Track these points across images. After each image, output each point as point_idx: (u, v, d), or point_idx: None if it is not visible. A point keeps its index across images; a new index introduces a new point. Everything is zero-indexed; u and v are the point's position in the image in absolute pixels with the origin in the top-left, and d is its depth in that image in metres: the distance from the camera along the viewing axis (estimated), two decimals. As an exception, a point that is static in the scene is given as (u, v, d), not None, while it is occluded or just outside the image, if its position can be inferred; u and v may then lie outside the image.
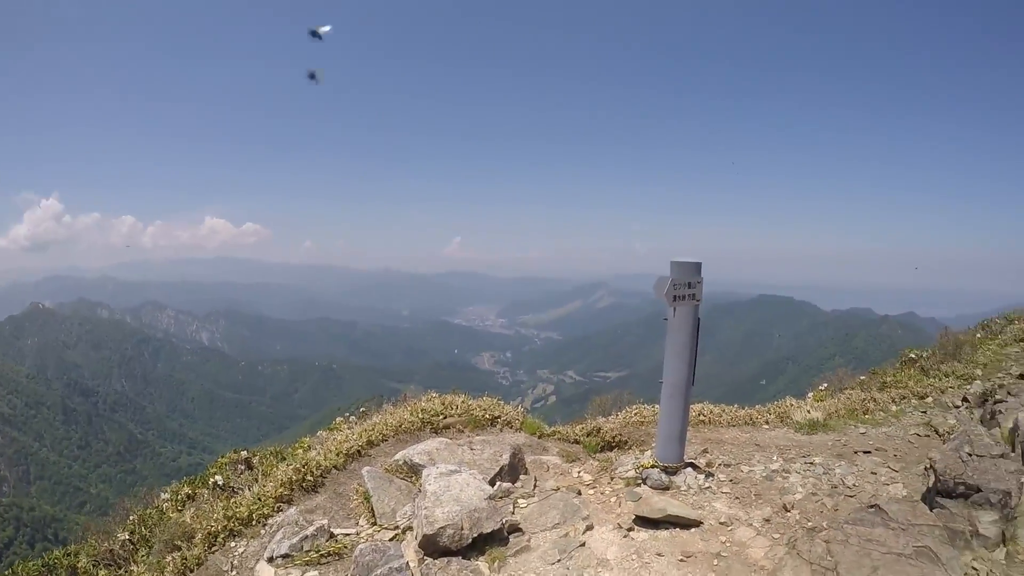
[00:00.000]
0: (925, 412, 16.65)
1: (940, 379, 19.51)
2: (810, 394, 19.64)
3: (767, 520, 9.53)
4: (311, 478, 11.63)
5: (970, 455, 9.74)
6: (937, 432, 14.96)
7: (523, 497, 10.01)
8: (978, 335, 25.81)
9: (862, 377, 22.28)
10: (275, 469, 12.40)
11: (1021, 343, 24.06)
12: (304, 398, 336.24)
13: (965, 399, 17.43)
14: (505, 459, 10.82)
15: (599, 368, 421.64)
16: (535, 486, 10.49)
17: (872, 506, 9.16)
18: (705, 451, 12.28)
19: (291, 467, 11.95)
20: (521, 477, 10.91)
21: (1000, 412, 14.50)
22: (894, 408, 16.77)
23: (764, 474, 11.30)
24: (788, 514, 9.82)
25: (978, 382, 18.91)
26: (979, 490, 8.99)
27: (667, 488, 10.19)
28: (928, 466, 10.54)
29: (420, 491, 9.38)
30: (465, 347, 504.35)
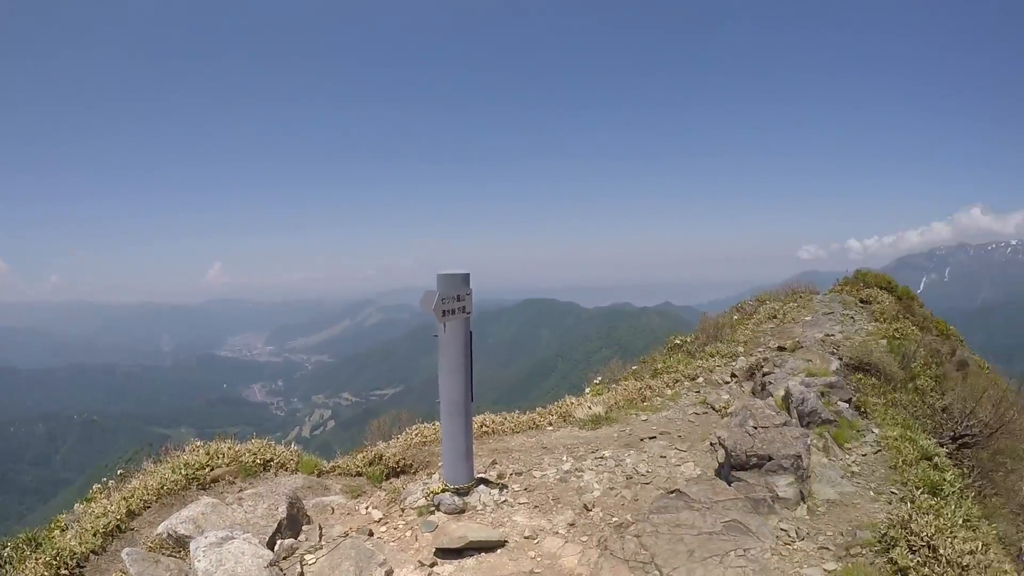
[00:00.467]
0: (699, 392, 17.20)
1: (707, 360, 20.22)
2: (587, 389, 19.71)
3: (572, 524, 9.09)
4: (66, 572, 9.90)
5: (755, 428, 9.99)
6: (713, 408, 15.44)
7: (309, 551, 8.67)
8: (735, 317, 27.28)
9: (634, 367, 22.80)
10: (24, 565, 10.53)
11: (773, 319, 25.60)
12: (67, 459, 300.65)
13: (733, 375, 18.20)
14: (282, 511, 9.34)
15: (374, 387, 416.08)
16: (321, 535, 9.19)
17: (673, 491, 9.15)
18: (494, 463, 11.74)
19: (41, 561, 10.13)
20: (304, 528, 9.53)
21: (770, 383, 15.12)
22: (669, 392, 17.11)
23: (558, 476, 10.91)
24: (591, 514, 9.46)
25: (742, 358, 19.84)
26: (771, 458, 9.28)
27: (463, 511, 9.46)
28: (716, 442, 10.77)
29: (191, 570, 7.99)
30: (234, 380, 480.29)
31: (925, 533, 7.68)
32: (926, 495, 9.38)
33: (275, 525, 8.90)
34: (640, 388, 17.30)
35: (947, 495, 9.51)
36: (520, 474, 11.06)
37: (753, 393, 16.17)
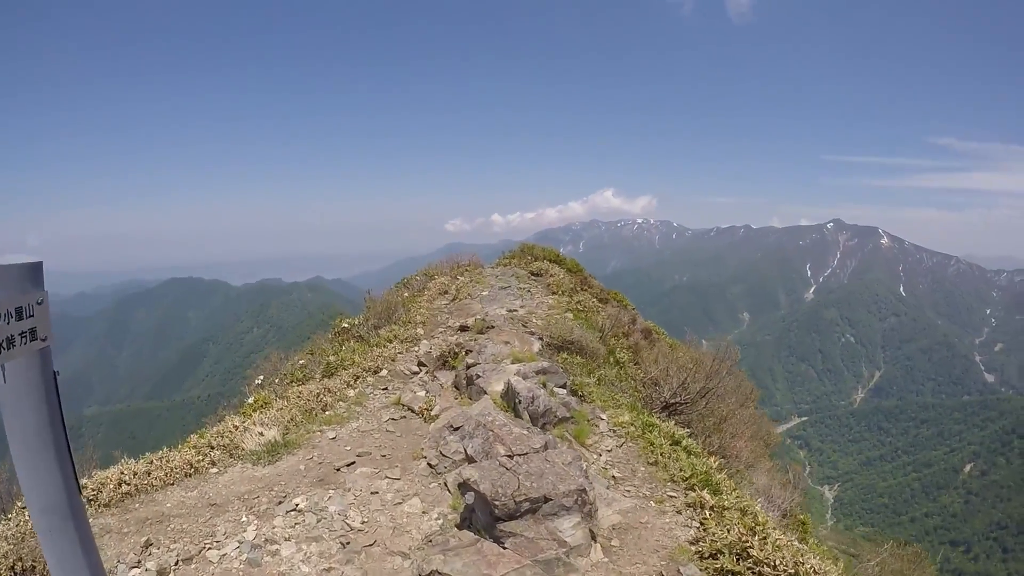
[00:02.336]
0: (387, 388, 15.05)
1: (384, 346, 17.96)
2: (250, 397, 16.22)
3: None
4: None
5: (511, 457, 7.79)
6: (412, 410, 13.37)
7: None
8: (405, 294, 25.09)
9: (301, 360, 19.57)
10: None
11: (445, 295, 23.89)
12: None
13: (421, 363, 16.09)
14: None
15: None
16: None
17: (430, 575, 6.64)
18: (148, 544, 7.83)
19: None
20: None
21: (478, 376, 12.93)
22: (352, 393, 14.63)
23: (244, 558, 7.61)
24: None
25: (424, 342, 17.96)
26: (548, 499, 7.09)
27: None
28: (460, 481, 7.87)
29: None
30: None
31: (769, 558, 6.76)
32: (708, 493, 8.61)
33: None
34: (318, 393, 14.42)
35: (723, 488, 9.06)
36: (189, 560, 7.54)
37: (457, 388, 13.98)
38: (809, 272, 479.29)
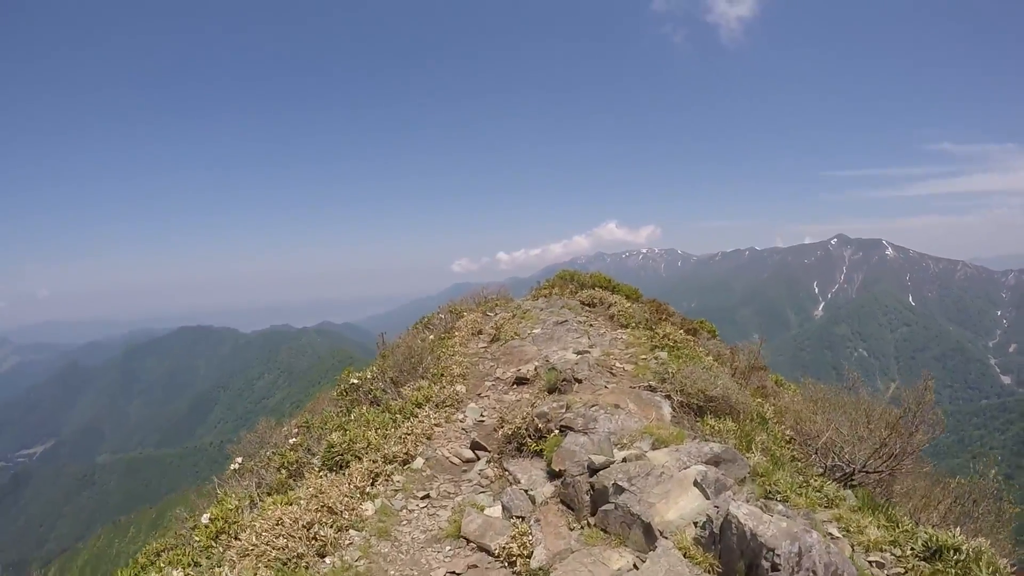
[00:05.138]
0: (428, 496, 9.77)
1: (411, 415, 12.35)
2: (208, 513, 10.28)
3: None
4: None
5: None
6: (488, 552, 7.72)
7: None
8: (430, 337, 19.48)
9: (292, 439, 13.64)
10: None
11: (480, 336, 19.37)
12: None
13: (476, 445, 10.66)
14: None
15: (21, 445, 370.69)
16: None
17: None
18: None
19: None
20: None
21: (622, 488, 7.30)
22: (371, 511, 8.94)
23: None
24: None
25: (472, 405, 12.77)
26: None
27: None
28: None
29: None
30: None
31: None
32: None
33: None
34: (309, 522, 8.18)
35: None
36: None
37: (568, 505, 7.94)
38: (817, 289, 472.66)
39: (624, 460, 7.69)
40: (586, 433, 8.98)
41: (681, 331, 18.18)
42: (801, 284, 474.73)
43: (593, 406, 9.72)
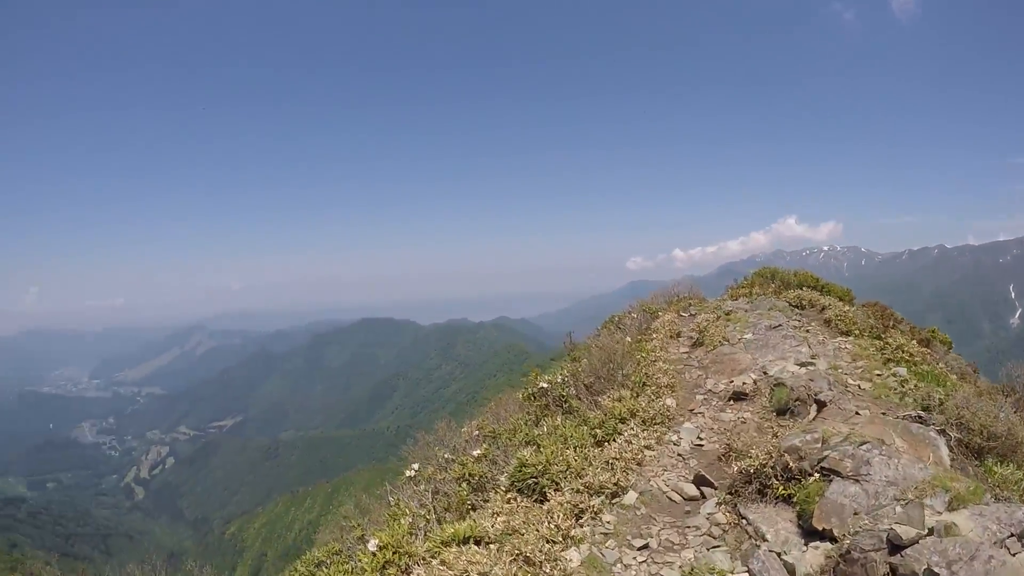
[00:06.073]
0: (647, 546, 7.69)
1: (615, 431, 10.44)
2: (371, 541, 8.91)
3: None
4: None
5: None
6: None
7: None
8: (627, 339, 17.39)
9: (477, 451, 11.97)
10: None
11: (678, 338, 17.39)
12: None
13: (700, 478, 8.60)
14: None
15: (212, 418, 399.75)
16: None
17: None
18: None
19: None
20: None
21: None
22: (576, 561, 6.97)
23: None
24: None
25: (688, 425, 10.71)
26: None
27: None
28: None
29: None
30: (61, 419, 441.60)
31: None
32: None
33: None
34: (505, 568, 6.52)
35: None
36: None
37: None
38: (1013, 293, 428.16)
39: (930, 532, 5.57)
40: (858, 480, 6.81)
41: (914, 341, 15.63)
42: (995, 287, 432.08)
43: (863, 443, 7.25)
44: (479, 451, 11.13)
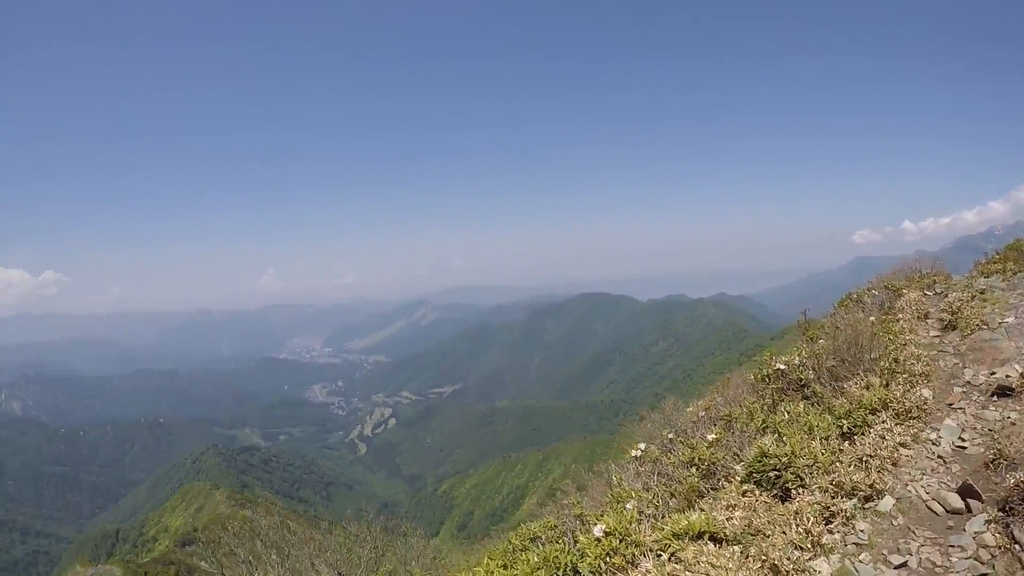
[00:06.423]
0: (906, 564, 6.60)
1: (866, 423, 9.33)
2: (596, 527, 8.39)
3: None
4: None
5: None
6: None
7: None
8: (871, 317, 15.95)
9: (712, 435, 11.11)
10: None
11: (926, 319, 15.63)
12: (135, 460, 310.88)
13: (967, 488, 7.54)
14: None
15: (433, 385, 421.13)
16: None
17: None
18: None
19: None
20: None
21: None
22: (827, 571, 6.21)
23: None
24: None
25: (948, 421, 9.76)
26: None
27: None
28: None
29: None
30: (295, 382, 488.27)
31: None
32: None
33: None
34: (748, 574, 6.01)
35: None
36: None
37: None
38: None
39: None
40: None
41: None
42: None
43: None
44: (713, 435, 10.44)
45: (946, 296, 17.03)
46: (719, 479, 9.34)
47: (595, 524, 7.54)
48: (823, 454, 8.21)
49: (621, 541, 7.06)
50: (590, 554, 7.04)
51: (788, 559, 6.07)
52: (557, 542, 8.19)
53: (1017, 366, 10.86)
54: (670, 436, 12.65)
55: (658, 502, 8.73)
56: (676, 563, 6.38)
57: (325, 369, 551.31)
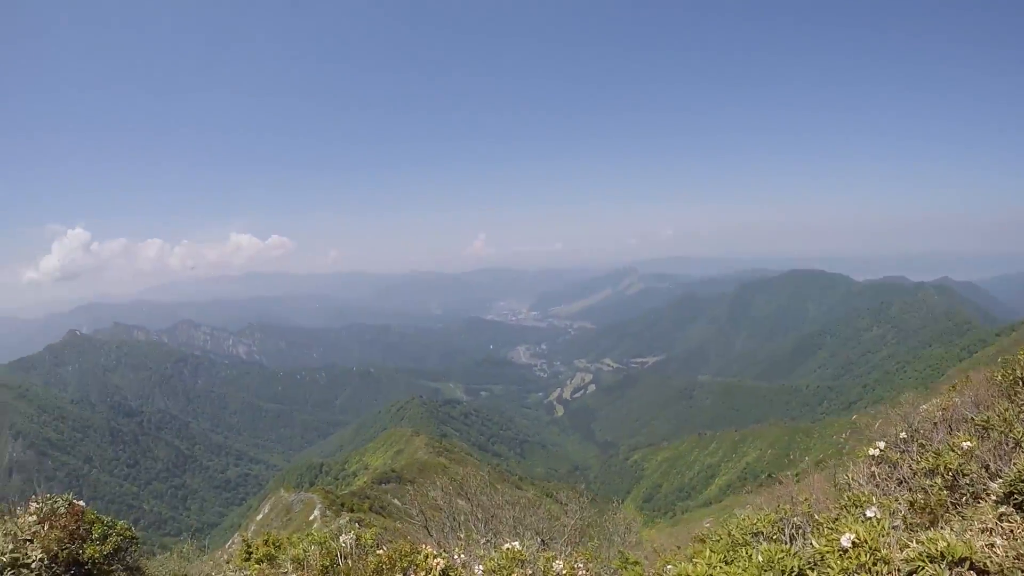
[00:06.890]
0: None
1: None
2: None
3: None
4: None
5: None
6: None
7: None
8: None
9: (967, 443, 10.04)
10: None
11: None
12: (345, 403, 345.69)
13: None
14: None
15: (635, 354, 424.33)
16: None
17: None
18: None
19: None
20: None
21: None
22: None
23: None
24: None
25: None
26: None
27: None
28: None
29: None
30: (500, 342, 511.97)
31: None
32: None
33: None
34: None
35: None
36: None
37: None
38: None
39: None
40: None
41: None
42: None
43: None
44: (969, 443, 9.30)
45: None
46: (965, 495, 8.33)
47: (840, 531, 6.79)
48: None
49: (869, 555, 6.30)
50: (833, 566, 6.35)
51: None
52: (782, 545, 7.49)
53: None
54: (903, 436, 11.62)
55: (901, 515, 7.90)
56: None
57: (530, 332, 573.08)
